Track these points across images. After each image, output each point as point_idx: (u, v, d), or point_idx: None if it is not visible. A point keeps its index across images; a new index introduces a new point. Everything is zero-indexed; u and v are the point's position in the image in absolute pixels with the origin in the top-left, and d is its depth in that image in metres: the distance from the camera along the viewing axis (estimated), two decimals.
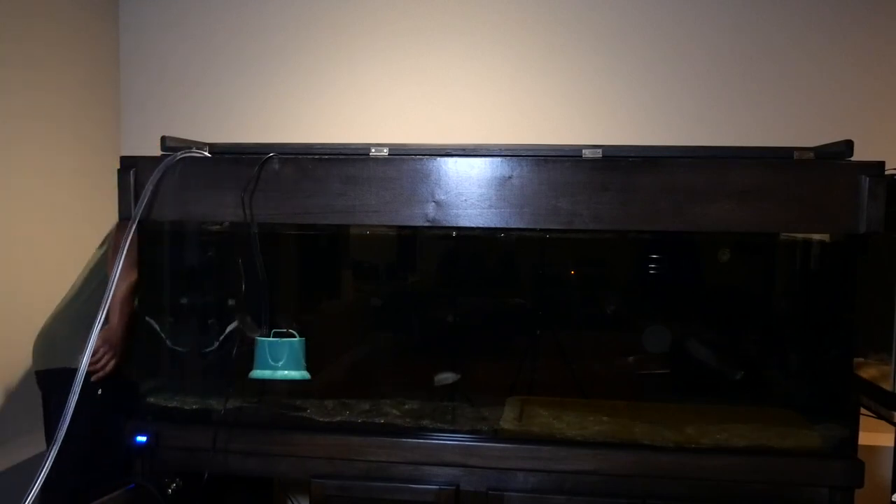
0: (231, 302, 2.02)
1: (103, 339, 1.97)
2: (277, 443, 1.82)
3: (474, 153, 1.73)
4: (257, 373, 1.80)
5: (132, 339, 2.02)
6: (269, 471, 1.88)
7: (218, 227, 1.95)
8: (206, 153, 1.82)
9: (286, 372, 1.79)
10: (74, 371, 1.92)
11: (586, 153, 1.71)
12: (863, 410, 1.78)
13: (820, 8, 2.55)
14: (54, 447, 1.50)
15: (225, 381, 1.90)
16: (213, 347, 2.00)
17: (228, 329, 1.99)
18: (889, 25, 2.53)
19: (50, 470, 1.50)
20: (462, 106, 2.71)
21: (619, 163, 1.68)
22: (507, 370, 2.03)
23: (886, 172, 1.60)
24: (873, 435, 1.97)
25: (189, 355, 2.03)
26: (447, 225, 1.72)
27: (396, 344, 2.17)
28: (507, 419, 1.87)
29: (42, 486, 1.48)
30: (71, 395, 1.56)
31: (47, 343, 2.09)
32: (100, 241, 2.22)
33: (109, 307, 1.84)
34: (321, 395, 1.96)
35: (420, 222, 1.73)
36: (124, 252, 1.66)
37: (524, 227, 1.70)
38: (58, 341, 2.06)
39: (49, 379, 2.06)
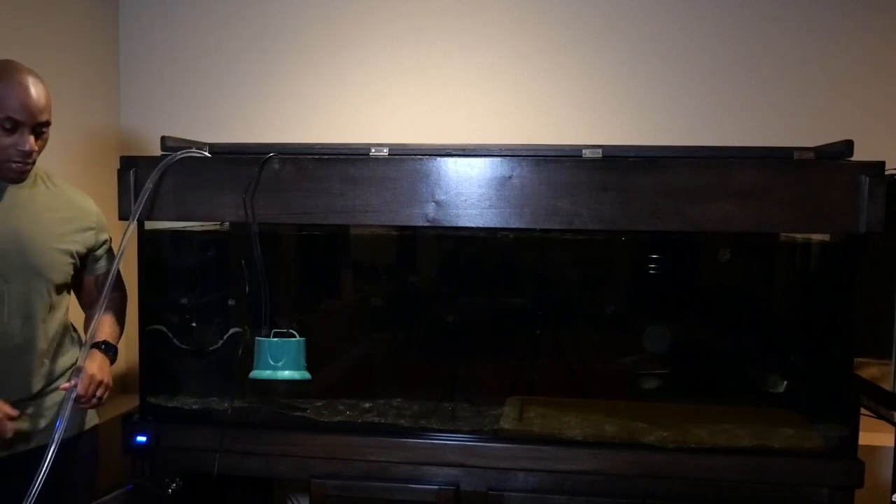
0: (231, 302, 2.02)
1: (99, 368, 1.62)
2: (277, 443, 1.82)
3: (474, 153, 1.73)
4: (257, 373, 1.79)
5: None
6: (269, 471, 1.88)
7: (220, 226, 1.95)
8: (206, 153, 1.82)
9: (286, 372, 1.78)
10: None
11: (586, 153, 1.71)
12: (863, 410, 1.78)
13: (820, 8, 2.54)
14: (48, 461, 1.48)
15: (225, 381, 1.90)
16: (213, 347, 2.00)
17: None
18: (889, 25, 2.52)
19: None
20: (462, 106, 2.70)
21: (619, 163, 1.68)
22: (507, 370, 2.03)
23: (886, 172, 1.60)
24: (873, 435, 1.97)
25: (189, 355, 2.03)
26: (447, 225, 1.72)
27: (396, 344, 2.17)
28: (507, 419, 1.87)
29: None
30: (62, 411, 1.53)
31: None
32: None
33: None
34: (321, 395, 1.96)
35: (420, 222, 1.73)
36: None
37: (524, 227, 1.70)
38: None
39: None
